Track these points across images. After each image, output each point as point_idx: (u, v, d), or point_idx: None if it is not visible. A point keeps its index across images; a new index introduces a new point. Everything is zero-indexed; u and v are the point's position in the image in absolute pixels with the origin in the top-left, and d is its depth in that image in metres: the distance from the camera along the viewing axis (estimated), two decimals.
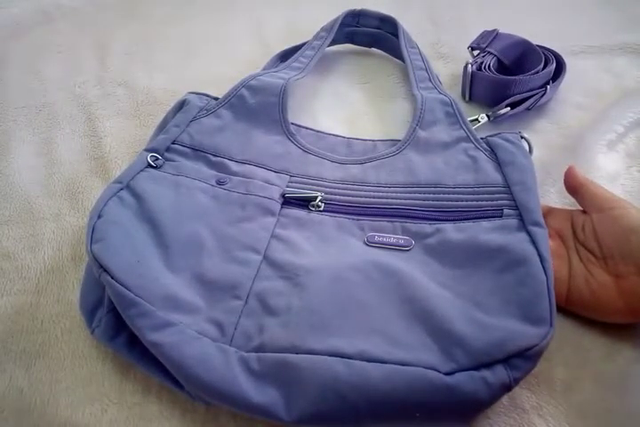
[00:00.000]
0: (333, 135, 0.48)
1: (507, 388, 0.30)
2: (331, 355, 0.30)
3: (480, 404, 0.30)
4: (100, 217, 0.36)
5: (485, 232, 0.37)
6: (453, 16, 0.65)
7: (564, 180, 0.41)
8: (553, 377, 0.35)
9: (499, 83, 0.50)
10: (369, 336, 0.32)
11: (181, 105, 0.47)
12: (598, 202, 0.38)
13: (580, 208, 0.40)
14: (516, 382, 0.30)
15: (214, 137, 0.44)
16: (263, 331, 0.33)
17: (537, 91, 0.50)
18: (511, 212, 0.37)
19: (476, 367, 0.30)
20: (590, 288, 0.35)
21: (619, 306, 0.34)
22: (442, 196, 0.40)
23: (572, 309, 0.36)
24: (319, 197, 0.40)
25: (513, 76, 0.50)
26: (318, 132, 0.48)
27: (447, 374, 0.29)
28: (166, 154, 0.43)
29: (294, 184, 0.41)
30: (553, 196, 0.44)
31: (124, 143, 0.51)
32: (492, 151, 0.42)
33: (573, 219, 0.39)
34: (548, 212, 0.40)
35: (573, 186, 0.40)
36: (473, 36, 0.55)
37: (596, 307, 0.35)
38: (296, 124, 0.47)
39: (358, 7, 0.57)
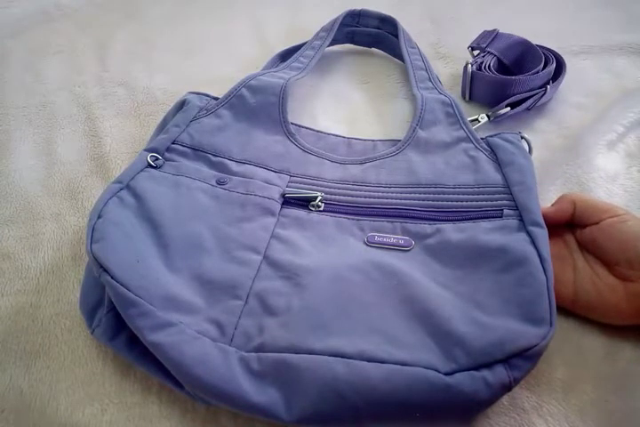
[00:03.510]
0: (333, 135, 0.48)
1: (507, 388, 0.30)
2: (331, 355, 0.30)
3: (480, 404, 0.30)
4: (99, 217, 0.36)
5: (485, 232, 0.37)
6: (453, 16, 0.65)
7: (556, 221, 0.38)
8: (553, 377, 0.35)
9: (499, 83, 0.50)
10: (369, 336, 0.32)
11: (181, 105, 0.47)
12: (592, 215, 0.37)
13: None
14: (516, 382, 0.30)
15: (214, 137, 0.44)
16: (263, 331, 0.33)
17: (537, 91, 0.50)
18: (511, 212, 0.37)
19: (476, 367, 0.30)
20: (597, 290, 0.35)
21: (626, 308, 0.34)
22: (442, 196, 0.40)
23: (578, 311, 0.36)
24: (319, 197, 0.40)
25: (513, 76, 0.50)
26: (318, 132, 0.48)
27: (447, 374, 0.29)
28: (166, 154, 0.43)
29: (294, 184, 0.41)
30: (552, 196, 0.44)
31: (124, 143, 0.51)
32: (492, 151, 0.42)
33: (574, 222, 0.39)
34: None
35: (569, 217, 0.38)
36: (473, 36, 0.55)
37: (603, 309, 0.35)
38: (296, 124, 0.47)
39: (358, 7, 0.57)
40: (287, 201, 0.40)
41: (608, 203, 0.38)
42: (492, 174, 0.40)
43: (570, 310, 0.36)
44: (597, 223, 0.36)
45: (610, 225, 0.35)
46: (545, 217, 0.37)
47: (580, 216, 0.37)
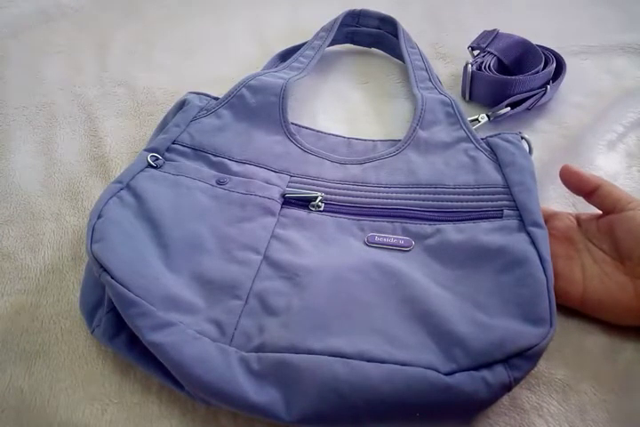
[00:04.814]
0: (333, 135, 0.48)
1: (507, 388, 0.30)
2: (330, 355, 0.30)
3: (480, 404, 0.30)
4: (99, 217, 0.36)
5: (485, 233, 0.37)
6: (453, 16, 0.65)
7: (571, 183, 0.39)
8: (553, 377, 0.35)
9: (499, 83, 0.50)
10: (369, 336, 0.32)
11: (181, 105, 0.47)
12: (616, 202, 0.36)
13: (585, 209, 0.40)
14: (516, 382, 0.30)
15: (214, 137, 0.44)
16: (263, 331, 0.33)
17: (537, 91, 0.50)
18: (511, 212, 0.37)
19: (476, 367, 0.30)
20: (607, 289, 0.35)
21: (636, 307, 0.34)
22: (442, 196, 0.40)
23: (588, 311, 0.36)
24: (319, 197, 0.40)
25: (513, 76, 0.50)
26: (318, 132, 0.48)
27: (447, 374, 0.29)
28: (166, 154, 0.43)
29: (294, 184, 0.41)
30: (553, 195, 0.44)
31: (124, 143, 0.51)
32: (493, 152, 0.42)
33: (581, 221, 0.39)
34: (553, 215, 0.40)
35: (588, 190, 0.38)
36: (473, 36, 0.55)
37: (613, 308, 0.35)
38: (296, 124, 0.47)
39: (358, 7, 0.57)
40: (287, 201, 0.40)
41: (630, 194, 0.37)
42: (492, 175, 0.40)
43: (580, 310, 0.36)
44: (618, 213, 0.36)
45: (631, 217, 0.35)
46: (567, 173, 0.39)
47: (603, 200, 0.37)
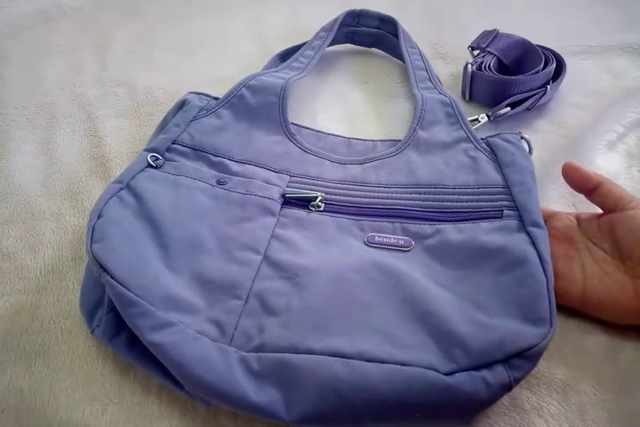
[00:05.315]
0: (333, 135, 0.47)
1: (507, 388, 0.30)
2: (330, 355, 0.30)
3: (480, 404, 0.30)
4: (99, 217, 0.36)
5: (485, 233, 0.37)
6: (453, 16, 0.65)
7: (572, 180, 0.39)
8: (553, 377, 0.35)
9: (499, 83, 0.50)
10: (369, 336, 0.32)
11: (181, 105, 0.47)
12: (617, 201, 0.36)
13: (585, 209, 0.40)
14: (517, 382, 0.30)
15: (214, 137, 0.44)
16: (263, 331, 0.33)
17: (537, 91, 0.50)
18: (511, 213, 0.37)
19: (476, 367, 0.30)
20: (607, 288, 0.35)
21: (637, 306, 0.34)
22: (442, 196, 0.40)
23: (588, 311, 0.36)
24: (319, 198, 0.40)
25: (513, 76, 0.50)
26: (318, 132, 0.48)
27: (447, 374, 0.29)
28: (166, 154, 0.43)
29: (294, 184, 0.41)
30: (553, 195, 0.44)
31: (124, 143, 0.51)
32: (492, 152, 0.42)
33: (581, 220, 0.39)
34: (553, 215, 0.40)
35: (590, 187, 0.38)
36: (473, 36, 0.55)
37: (613, 308, 0.35)
38: (296, 124, 0.47)
39: (358, 7, 0.57)
40: (287, 201, 0.40)
41: (631, 193, 0.37)
42: (491, 175, 0.40)
43: (580, 310, 0.36)
44: (619, 212, 0.36)
45: (632, 217, 0.35)
46: (569, 170, 0.39)
47: (604, 199, 0.37)
